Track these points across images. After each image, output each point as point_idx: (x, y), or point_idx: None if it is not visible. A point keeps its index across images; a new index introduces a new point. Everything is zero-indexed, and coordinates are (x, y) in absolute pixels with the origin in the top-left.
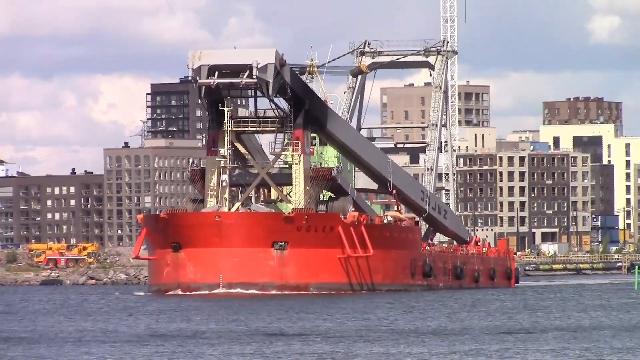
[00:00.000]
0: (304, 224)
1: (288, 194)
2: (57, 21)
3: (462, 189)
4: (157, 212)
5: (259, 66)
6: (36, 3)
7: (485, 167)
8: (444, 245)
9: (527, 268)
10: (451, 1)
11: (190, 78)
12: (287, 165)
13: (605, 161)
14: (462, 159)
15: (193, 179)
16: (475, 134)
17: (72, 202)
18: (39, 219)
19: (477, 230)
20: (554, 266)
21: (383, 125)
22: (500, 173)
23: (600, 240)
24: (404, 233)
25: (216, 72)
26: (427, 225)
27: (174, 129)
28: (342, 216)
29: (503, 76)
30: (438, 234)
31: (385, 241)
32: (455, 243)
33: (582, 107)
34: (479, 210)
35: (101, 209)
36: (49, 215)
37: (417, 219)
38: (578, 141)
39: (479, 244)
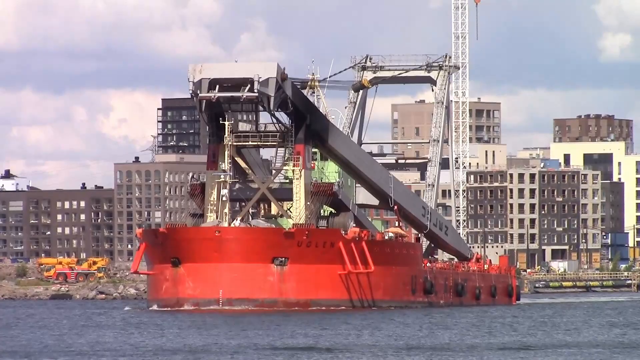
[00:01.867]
0: (304, 239)
1: (288, 209)
2: (69, 35)
3: (472, 205)
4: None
5: (260, 80)
6: (48, 17)
7: (496, 184)
8: (445, 262)
9: (536, 285)
10: (463, 18)
11: (190, 92)
12: (287, 181)
13: (615, 179)
14: (472, 176)
15: (193, 193)
16: (486, 151)
17: (82, 217)
18: (49, 233)
19: (487, 247)
20: (564, 283)
21: (384, 141)
22: (511, 190)
23: (610, 257)
24: (405, 249)
25: (217, 86)
26: (428, 242)
27: (185, 144)
28: (343, 232)
29: (514, 93)
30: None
31: (386, 257)
32: (456, 260)
33: (593, 125)
34: (489, 227)
35: (111, 224)
36: (59, 230)
37: (419, 235)
38: (588, 158)
39: (480, 260)
